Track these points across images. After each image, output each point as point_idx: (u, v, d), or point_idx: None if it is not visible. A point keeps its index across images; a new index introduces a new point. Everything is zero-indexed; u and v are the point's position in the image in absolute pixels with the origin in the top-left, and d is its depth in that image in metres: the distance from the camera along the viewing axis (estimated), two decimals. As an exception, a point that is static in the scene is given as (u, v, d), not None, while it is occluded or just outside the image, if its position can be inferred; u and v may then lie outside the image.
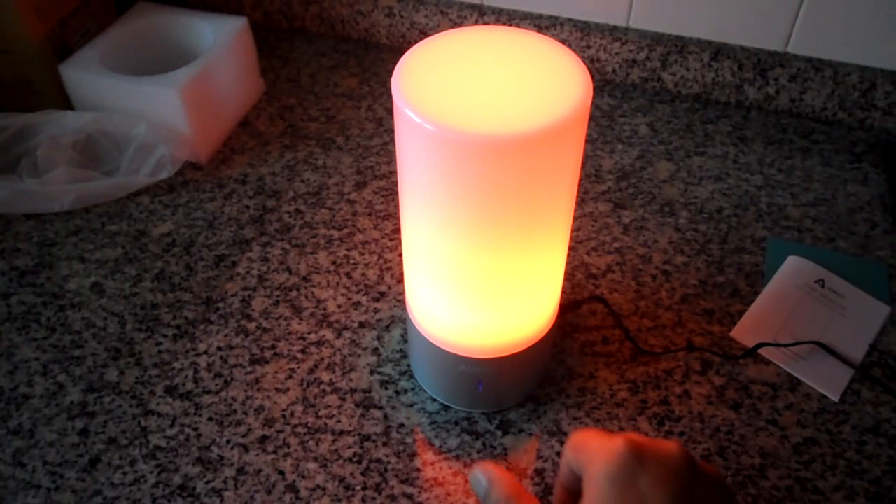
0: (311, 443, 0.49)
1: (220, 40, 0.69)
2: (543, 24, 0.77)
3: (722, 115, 0.75)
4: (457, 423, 0.50)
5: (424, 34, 0.82)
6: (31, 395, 0.52)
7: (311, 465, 0.48)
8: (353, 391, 0.52)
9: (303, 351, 0.54)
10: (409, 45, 0.83)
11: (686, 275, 0.60)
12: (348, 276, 0.59)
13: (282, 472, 0.47)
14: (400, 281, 0.59)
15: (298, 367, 0.53)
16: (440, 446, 0.49)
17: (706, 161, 0.70)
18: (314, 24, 0.86)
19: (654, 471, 0.35)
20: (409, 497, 0.46)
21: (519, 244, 0.40)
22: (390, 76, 0.51)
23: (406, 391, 0.52)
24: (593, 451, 0.36)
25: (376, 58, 0.83)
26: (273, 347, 0.54)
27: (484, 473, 0.41)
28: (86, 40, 0.71)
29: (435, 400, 0.51)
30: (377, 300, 0.58)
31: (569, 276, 0.59)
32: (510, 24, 0.78)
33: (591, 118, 0.74)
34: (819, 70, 0.71)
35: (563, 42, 0.78)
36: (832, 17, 0.69)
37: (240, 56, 0.72)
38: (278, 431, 0.49)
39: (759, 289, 0.58)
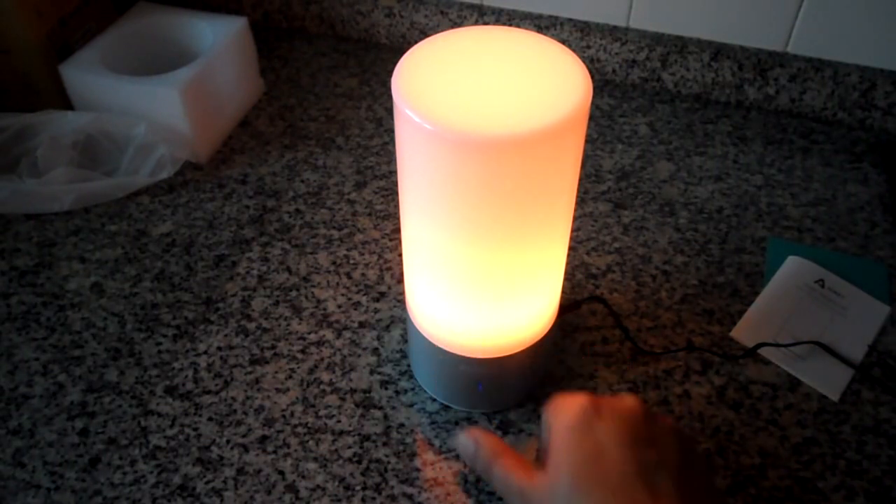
0: (311, 443, 0.49)
1: (220, 40, 0.69)
2: (543, 24, 0.77)
3: (722, 115, 0.75)
4: (457, 423, 0.50)
5: (424, 34, 0.82)
6: (31, 395, 0.52)
7: (311, 465, 0.48)
8: (353, 391, 0.52)
9: (303, 351, 0.54)
10: (409, 45, 0.83)
11: (686, 275, 0.60)
12: (348, 276, 0.59)
13: (282, 472, 0.47)
14: (400, 281, 0.59)
15: (298, 367, 0.53)
16: (440, 446, 0.49)
17: (706, 161, 0.70)
18: (314, 24, 0.86)
19: (610, 421, 0.39)
20: (409, 497, 0.46)
21: (519, 244, 0.40)
22: (390, 76, 0.51)
23: (406, 391, 0.52)
24: (559, 408, 0.41)
25: (376, 58, 0.83)
26: (273, 347, 0.54)
27: (469, 436, 0.45)
28: (86, 40, 0.71)
29: (435, 400, 0.51)
30: (377, 300, 0.58)
31: (569, 276, 0.59)
32: (510, 24, 0.78)
33: (591, 118, 0.74)
34: (819, 70, 0.71)
35: (563, 42, 0.78)
36: (832, 17, 0.69)
37: (240, 56, 0.72)
38: (278, 431, 0.49)
39: (758, 289, 0.58)
